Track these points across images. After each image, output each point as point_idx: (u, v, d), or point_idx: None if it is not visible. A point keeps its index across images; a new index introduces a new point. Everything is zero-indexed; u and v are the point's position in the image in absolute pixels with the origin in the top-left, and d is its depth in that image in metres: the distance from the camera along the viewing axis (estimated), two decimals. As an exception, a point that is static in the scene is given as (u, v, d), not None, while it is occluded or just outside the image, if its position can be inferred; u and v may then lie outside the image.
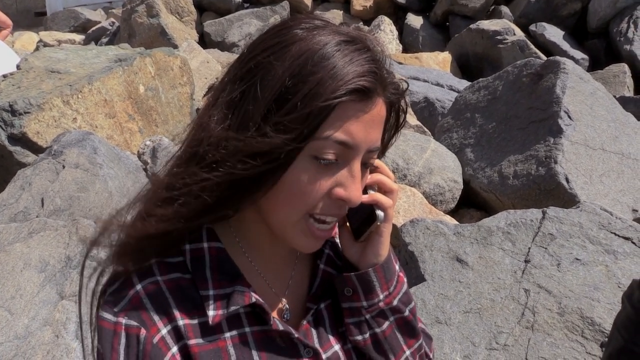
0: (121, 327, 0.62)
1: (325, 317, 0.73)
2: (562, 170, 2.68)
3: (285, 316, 0.72)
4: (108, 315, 0.63)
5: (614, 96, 3.55)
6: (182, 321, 0.64)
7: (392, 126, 0.73)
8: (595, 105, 3.01)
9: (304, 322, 0.71)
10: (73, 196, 2.21)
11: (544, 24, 6.40)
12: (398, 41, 7.50)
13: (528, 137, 2.99)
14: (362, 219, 0.71)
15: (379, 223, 0.69)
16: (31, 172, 2.32)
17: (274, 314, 0.71)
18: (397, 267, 0.76)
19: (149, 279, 0.65)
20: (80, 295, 0.70)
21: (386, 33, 7.26)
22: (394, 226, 2.29)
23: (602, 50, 6.26)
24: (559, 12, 6.67)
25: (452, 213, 3.12)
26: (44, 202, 2.18)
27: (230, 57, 5.68)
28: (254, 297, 0.65)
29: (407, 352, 0.75)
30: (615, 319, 1.12)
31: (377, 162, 0.71)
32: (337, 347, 0.72)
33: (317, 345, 0.70)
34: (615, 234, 2.01)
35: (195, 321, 0.64)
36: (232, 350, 0.65)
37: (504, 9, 7.12)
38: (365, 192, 0.70)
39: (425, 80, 5.04)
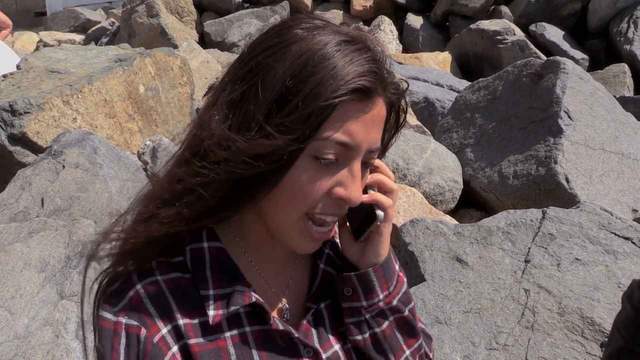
0: (121, 326, 0.62)
1: (325, 317, 0.73)
2: (562, 170, 2.68)
3: (285, 316, 0.72)
4: (108, 315, 0.63)
5: (614, 96, 3.55)
6: (182, 321, 0.64)
7: (393, 126, 0.73)
8: (595, 105, 3.01)
9: (304, 322, 0.71)
10: (73, 196, 2.21)
11: (544, 24, 6.40)
12: (398, 41, 7.50)
13: (528, 137, 2.99)
14: (362, 218, 0.71)
15: (379, 223, 0.69)
16: (31, 172, 2.32)
17: (274, 314, 0.71)
18: (397, 267, 0.76)
19: (149, 278, 0.65)
20: (83, 296, 0.70)
21: (386, 33, 7.26)
22: (394, 226, 2.29)
23: (602, 50, 6.26)
24: (559, 12, 6.67)
25: (452, 213, 3.12)
26: (44, 202, 2.18)
27: (230, 57, 5.68)
28: (254, 297, 0.66)
29: (407, 352, 0.75)
30: (615, 319, 1.12)
31: (377, 162, 0.71)
32: (337, 346, 0.72)
33: (317, 345, 0.70)
34: (615, 234, 2.01)
35: (196, 321, 0.64)
36: (232, 350, 0.65)
37: (504, 9, 7.12)
38: (365, 191, 0.70)
39: (425, 80, 5.04)
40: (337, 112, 0.60)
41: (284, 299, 0.73)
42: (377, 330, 0.73)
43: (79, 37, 8.67)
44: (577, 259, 1.94)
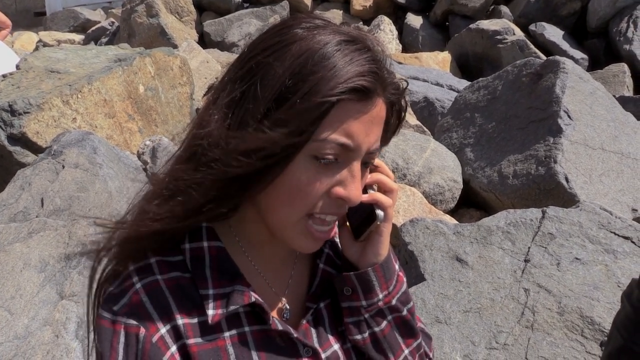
0: (120, 326, 0.62)
1: (325, 317, 0.73)
2: (561, 169, 2.68)
3: (285, 315, 0.72)
4: (107, 314, 0.63)
5: (614, 96, 3.55)
6: (181, 320, 0.63)
7: (393, 126, 0.73)
8: (594, 105, 3.02)
9: (304, 322, 0.71)
10: (73, 196, 2.21)
11: (543, 23, 6.40)
12: (398, 41, 7.50)
13: (528, 136, 2.99)
14: (362, 218, 0.71)
15: (378, 222, 0.69)
16: (31, 172, 2.32)
17: (274, 314, 0.71)
18: (396, 266, 0.76)
19: (148, 278, 0.65)
20: (89, 297, 0.70)
21: (386, 33, 7.26)
22: (394, 226, 2.29)
23: (601, 50, 6.27)
24: (558, 11, 6.67)
25: (452, 213, 3.12)
26: (43, 202, 2.18)
27: (230, 57, 5.68)
28: (254, 297, 0.66)
29: (406, 351, 0.75)
30: (614, 318, 1.12)
31: (377, 161, 0.71)
32: (336, 346, 0.72)
33: (316, 345, 0.70)
34: (614, 234, 2.01)
35: (195, 320, 0.64)
36: (231, 350, 0.65)
37: (504, 8, 7.12)
38: (365, 191, 0.70)
39: (425, 80, 5.04)
40: (336, 112, 0.60)
41: (283, 299, 0.73)
42: (376, 329, 0.73)
43: (78, 37, 8.67)
44: (576, 259, 1.94)
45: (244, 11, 7.96)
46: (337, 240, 0.81)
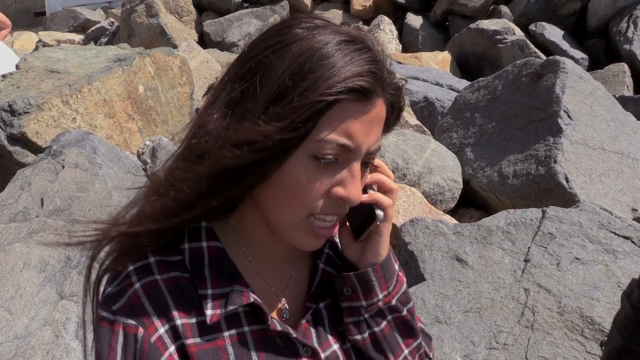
0: (119, 325, 0.62)
1: (325, 317, 0.73)
2: (561, 169, 2.68)
3: (284, 315, 0.72)
4: (106, 314, 0.63)
5: (614, 96, 3.55)
6: (180, 320, 0.63)
7: (391, 125, 0.73)
8: (594, 105, 3.01)
9: (303, 322, 0.71)
10: (72, 196, 2.21)
11: (543, 23, 6.40)
12: (398, 41, 7.50)
13: (528, 136, 2.99)
14: (362, 218, 0.71)
15: (378, 222, 0.69)
16: (31, 172, 2.32)
17: (273, 314, 0.71)
18: (396, 266, 0.76)
19: (147, 277, 0.65)
20: (86, 297, 0.70)
21: (386, 33, 7.26)
22: (394, 226, 2.29)
23: (601, 50, 6.27)
24: (558, 11, 6.68)
25: (452, 213, 3.12)
26: (43, 202, 2.18)
27: (229, 57, 5.68)
28: (252, 297, 0.65)
29: (406, 351, 0.75)
30: (614, 318, 1.12)
31: (376, 161, 0.71)
32: (335, 346, 0.72)
33: (315, 345, 0.70)
34: (614, 233, 2.01)
35: (194, 320, 0.64)
36: (230, 350, 0.65)
37: (504, 8, 7.12)
38: (365, 191, 0.70)
39: (424, 80, 5.04)
40: (336, 112, 0.60)
41: (283, 299, 0.73)
42: (376, 329, 0.72)
43: (78, 37, 8.67)
44: (576, 259, 1.94)
45: (244, 11, 7.97)
46: (337, 240, 0.81)
